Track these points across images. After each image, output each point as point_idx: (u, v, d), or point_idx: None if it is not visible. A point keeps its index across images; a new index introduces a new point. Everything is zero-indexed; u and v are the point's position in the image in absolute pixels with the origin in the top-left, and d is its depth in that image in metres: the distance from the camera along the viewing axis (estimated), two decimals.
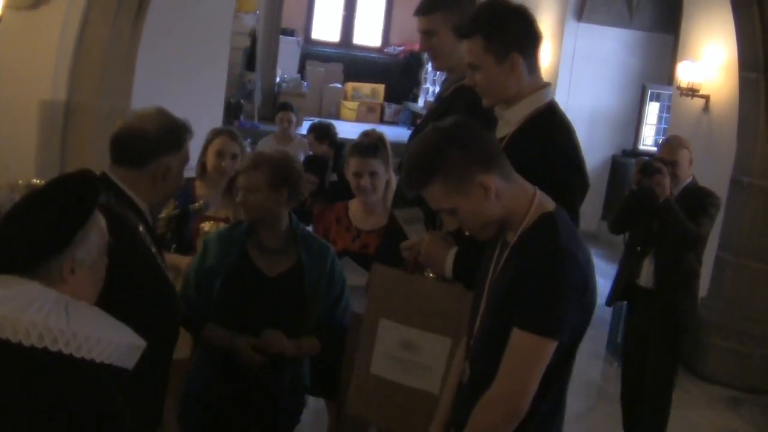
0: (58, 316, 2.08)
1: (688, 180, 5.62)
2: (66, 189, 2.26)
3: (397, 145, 5.28)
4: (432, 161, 2.49)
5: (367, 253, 4.41)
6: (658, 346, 5.57)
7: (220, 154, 4.68)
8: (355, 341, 3.30)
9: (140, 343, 2.22)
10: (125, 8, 7.28)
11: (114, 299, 2.36)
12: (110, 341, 2.13)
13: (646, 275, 5.61)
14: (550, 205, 2.54)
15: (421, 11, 3.51)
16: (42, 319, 2.06)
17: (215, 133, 4.78)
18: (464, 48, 2.99)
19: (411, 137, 3.62)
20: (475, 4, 3.49)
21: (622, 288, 5.78)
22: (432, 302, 3.03)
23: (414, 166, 2.54)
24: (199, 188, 4.75)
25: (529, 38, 2.94)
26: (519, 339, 2.42)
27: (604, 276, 10.45)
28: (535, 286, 2.41)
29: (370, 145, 4.76)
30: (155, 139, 2.92)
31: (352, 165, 4.65)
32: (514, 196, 2.52)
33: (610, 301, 6.08)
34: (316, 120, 9.79)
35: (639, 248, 5.65)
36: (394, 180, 4.66)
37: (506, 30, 2.89)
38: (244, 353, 3.55)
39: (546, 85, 3.01)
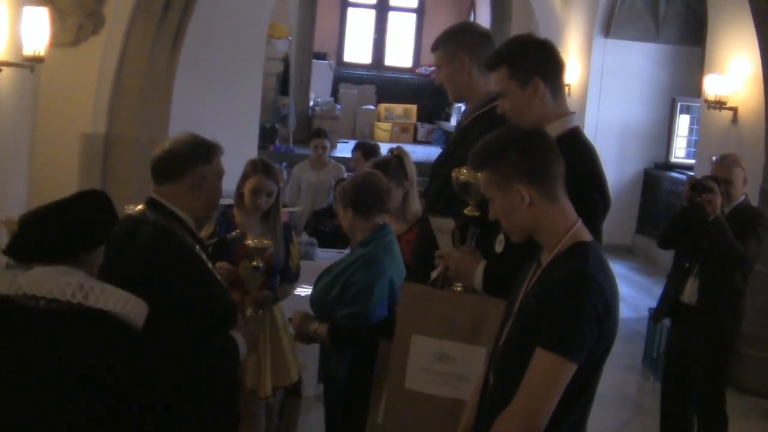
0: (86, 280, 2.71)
1: (741, 198, 5.61)
2: (100, 199, 2.89)
3: (430, 164, 5.48)
4: (490, 152, 2.71)
5: None
6: (701, 365, 5.57)
7: (255, 192, 4.79)
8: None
9: (141, 302, 2.80)
10: (161, 41, 7.50)
11: (167, 300, 2.94)
12: (120, 295, 2.72)
13: (689, 292, 5.61)
14: (587, 236, 2.69)
15: (431, 48, 3.80)
16: (75, 280, 2.67)
17: (252, 169, 4.85)
18: (474, 79, 3.38)
19: (433, 166, 3.76)
20: (489, 38, 3.69)
21: (669, 304, 5.79)
22: (464, 313, 3.14)
23: (478, 149, 2.76)
24: (238, 216, 4.89)
25: (550, 65, 3.19)
26: (540, 358, 2.54)
27: (639, 289, 10.59)
28: (558, 308, 2.54)
29: (379, 161, 5.18)
30: (188, 153, 3.32)
31: None
32: (550, 217, 2.67)
33: (657, 317, 6.12)
34: (361, 140, 9.97)
35: (686, 265, 5.64)
36: (412, 193, 5.02)
37: (527, 57, 3.16)
38: None
39: (571, 113, 3.22)
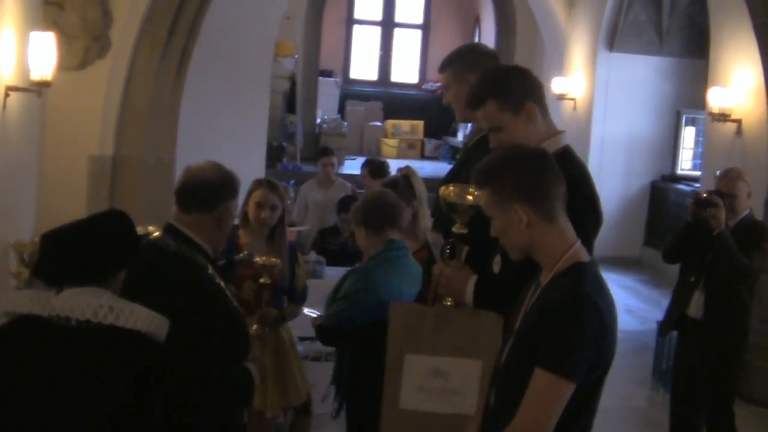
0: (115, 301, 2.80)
1: (745, 212, 5.62)
2: (124, 220, 2.94)
3: (437, 180, 5.51)
4: (491, 170, 2.75)
5: None
6: (708, 379, 5.58)
7: (259, 206, 4.86)
8: None
9: (165, 319, 2.88)
10: (167, 64, 7.56)
11: (195, 329, 3.07)
12: (148, 315, 2.80)
13: (695, 306, 5.62)
14: (585, 256, 2.73)
15: (438, 68, 3.81)
16: (106, 301, 2.75)
17: (256, 184, 4.95)
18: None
19: (440, 184, 3.80)
20: (496, 58, 3.72)
21: (675, 318, 5.79)
22: (456, 328, 3.16)
23: (479, 167, 2.79)
24: (243, 236, 4.92)
25: (534, 85, 3.21)
26: (538, 378, 2.58)
27: (647, 301, 10.59)
28: (556, 328, 2.57)
29: (388, 181, 5.32)
30: (219, 186, 3.36)
31: None
32: (548, 237, 2.71)
33: (663, 331, 6.12)
34: (370, 158, 10.01)
35: (692, 279, 5.65)
36: (422, 211, 5.10)
37: (512, 84, 3.17)
38: None
39: (560, 132, 3.24)
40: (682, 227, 5.76)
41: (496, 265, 3.08)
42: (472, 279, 3.12)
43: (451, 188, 3.14)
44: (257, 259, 4.37)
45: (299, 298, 5.09)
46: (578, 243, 2.73)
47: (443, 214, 3.26)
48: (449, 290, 3.18)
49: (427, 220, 5.06)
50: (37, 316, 2.76)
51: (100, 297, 2.76)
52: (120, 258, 2.87)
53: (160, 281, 3.18)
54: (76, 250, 2.80)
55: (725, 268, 5.42)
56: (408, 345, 3.21)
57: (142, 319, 2.77)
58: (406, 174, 5.24)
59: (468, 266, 3.17)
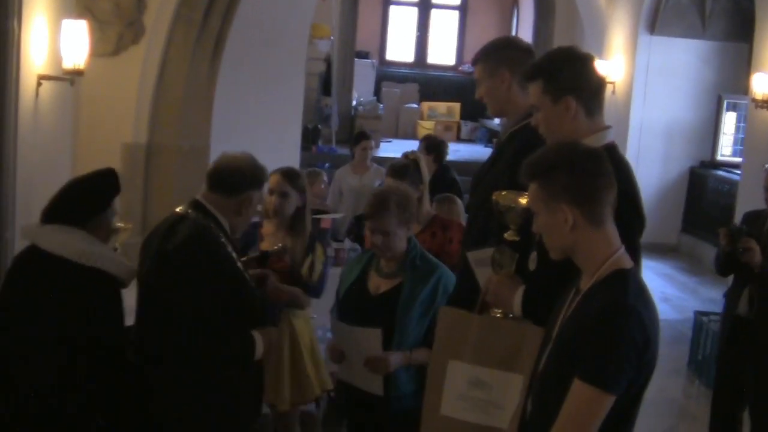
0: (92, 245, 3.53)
1: None
2: (108, 173, 3.65)
3: (473, 163, 5.50)
4: (543, 166, 2.69)
5: None
6: (757, 376, 5.47)
7: (270, 191, 4.78)
8: None
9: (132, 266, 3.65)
10: (202, 49, 7.53)
11: (195, 286, 3.46)
12: (120, 261, 3.60)
13: (745, 304, 5.56)
14: (627, 263, 2.66)
15: (471, 62, 3.72)
16: (87, 247, 3.49)
17: (274, 170, 4.86)
18: (514, 94, 3.40)
19: (474, 179, 3.72)
20: (531, 53, 3.64)
21: (731, 322, 5.71)
22: (502, 340, 3.10)
23: (532, 160, 2.74)
24: (266, 226, 4.88)
25: (585, 83, 3.11)
26: (578, 389, 2.52)
27: (684, 289, 10.46)
28: (597, 338, 2.51)
29: (398, 166, 5.24)
30: (247, 175, 3.71)
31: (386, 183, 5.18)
32: (592, 241, 2.64)
33: (722, 339, 6.01)
34: (427, 134, 9.99)
35: (743, 282, 5.59)
36: (425, 195, 5.10)
37: (561, 74, 3.10)
38: None
39: (606, 128, 3.14)
40: (723, 252, 5.63)
41: (532, 263, 3.03)
42: (521, 289, 3.06)
43: (504, 193, 3.09)
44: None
45: (312, 291, 4.88)
46: (622, 249, 2.66)
47: (489, 215, 3.19)
48: (497, 299, 3.13)
49: (428, 204, 5.23)
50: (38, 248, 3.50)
51: (73, 234, 3.47)
52: (94, 205, 3.59)
53: (172, 239, 3.53)
54: (63, 196, 3.57)
55: None
56: (452, 351, 3.18)
57: (111, 260, 3.50)
58: (415, 159, 5.28)
59: (517, 276, 3.11)
